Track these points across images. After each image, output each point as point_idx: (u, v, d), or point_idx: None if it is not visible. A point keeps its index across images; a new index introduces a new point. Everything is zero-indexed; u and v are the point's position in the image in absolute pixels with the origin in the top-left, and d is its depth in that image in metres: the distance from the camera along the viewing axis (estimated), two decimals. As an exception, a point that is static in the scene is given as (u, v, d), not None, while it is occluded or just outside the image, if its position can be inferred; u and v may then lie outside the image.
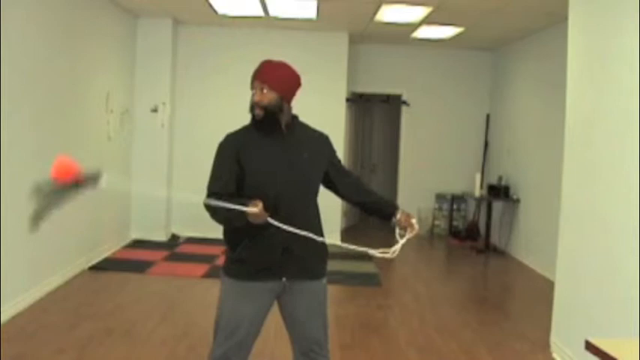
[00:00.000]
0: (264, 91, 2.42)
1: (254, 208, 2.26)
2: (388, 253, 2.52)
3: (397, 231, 2.59)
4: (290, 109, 2.52)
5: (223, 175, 2.47)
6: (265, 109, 2.43)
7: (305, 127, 2.62)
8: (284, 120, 2.49)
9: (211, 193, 2.44)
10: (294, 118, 2.56)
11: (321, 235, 2.55)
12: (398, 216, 2.61)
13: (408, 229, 2.57)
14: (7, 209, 4.36)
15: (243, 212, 2.27)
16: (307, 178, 2.55)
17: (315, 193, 2.60)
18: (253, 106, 2.46)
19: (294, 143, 2.52)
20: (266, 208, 2.30)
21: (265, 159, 2.47)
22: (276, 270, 2.47)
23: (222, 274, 2.57)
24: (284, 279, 2.49)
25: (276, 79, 2.45)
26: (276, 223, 2.33)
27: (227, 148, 2.49)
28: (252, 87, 2.47)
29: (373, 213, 2.73)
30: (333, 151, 2.69)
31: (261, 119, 2.45)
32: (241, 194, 2.44)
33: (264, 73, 2.45)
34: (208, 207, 2.40)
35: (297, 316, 2.56)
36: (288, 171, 2.47)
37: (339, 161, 2.72)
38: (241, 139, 2.51)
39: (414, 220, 2.58)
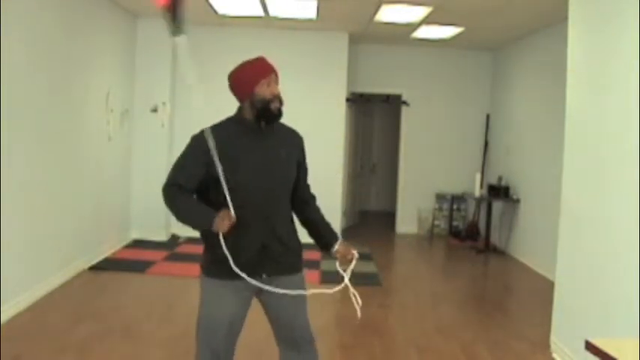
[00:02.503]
0: (278, 84, 2.46)
1: (223, 224, 2.29)
2: (335, 288, 2.55)
3: (337, 264, 2.59)
4: None
5: (189, 169, 2.44)
6: (281, 101, 2.45)
7: (280, 124, 2.58)
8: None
9: (173, 183, 2.43)
10: None
11: (296, 231, 2.60)
12: (336, 247, 2.60)
13: (351, 261, 2.57)
14: (7, 209, 4.35)
15: (206, 221, 2.32)
16: (286, 176, 2.53)
17: (289, 190, 2.58)
18: (270, 100, 2.42)
19: (273, 141, 2.50)
20: (241, 206, 2.35)
21: (245, 158, 2.42)
22: (255, 267, 2.44)
23: (201, 274, 2.57)
24: (264, 275, 2.47)
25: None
26: (223, 245, 2.33)
27: (200, 144, 2.40)
28: (263, 81, 2.42)
29: (313, 236, 2.67)
30: (304, 154, 2.65)
31: (279, 113, 2.45)
32: (215, 196, 2.41)
33: (274, 68, 2.47)
34: (166, 194, 2.42)
35: (282, 308, 2.55)
36: (269, 169, 2.45)
37: (306, 169, 2.67)
38: (219, 135, 2.40)
39: (354, 251, 2.57)
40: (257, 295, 2.55)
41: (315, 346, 2.63)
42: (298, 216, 2.67)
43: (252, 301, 2.56)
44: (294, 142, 2.61)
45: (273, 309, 2.57)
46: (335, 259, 2.61)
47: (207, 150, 2.35)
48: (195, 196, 2.46)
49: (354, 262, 2.55)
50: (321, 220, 2.68)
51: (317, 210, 2.69)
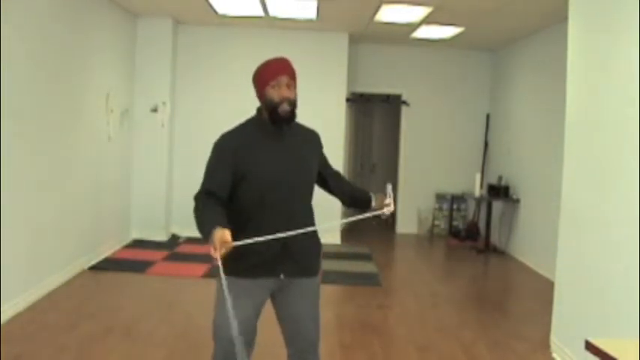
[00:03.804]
0: (291, 87, 2.44)
1: (215, 246, 2.19)
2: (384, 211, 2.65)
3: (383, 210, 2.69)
4: None
5: (219, 176, 2.44)
6: (293, 105, 2.44)
7: (298, 125, 2.60)
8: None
9: (207, 191, 2.44)
10: None
11: (316, 231, 2.59)
12: (373, 203, 2.71)
13: (386, 208, 2.66)
14: (7, 209, 4.35)
15: (205, 239, 2.26)
16: (307, 177, 2.56)
17: (311, 191, 2.62)
18: (278, 103, 2.40)
19: (293, 142, 2.52)
20: (264, 205, 2.41)
21: (266, 159, 2.44)
22: (274, 267, 2.46)
23: (219, 271, 2.56)
24: (282, 276, 2.48)
25: (295, 77, 2.47)
26: (221, 271, 2.27)
27: (224, 149, 2.45)
28: (272, 83, 2.41)
29: (353, 203, 2.79)
30: (321, 147, 2.72)
31: (289, 116, 2.44)
32: (237, 197, 2.45)
33: (289, 68, 2.45)
34: (195, 203, 2.43)
35: (293, 314, 2.55)
36: (290, 170, 2.47)
37: (326, 159, 2.77)
38: (240, 140, 2.46)
39: (387, 201, 2.65)
40: (271, 297, 2.56)
41: (318, 350, 2.63)
42: (338, 194, 2.78)
43: (267, 300, 2.56)
44: (313, 140, 2.65)
45: (286, 313, 2.56)
46: (379, 210, 2.67)
47: (231, 152, 2.41)
48: (219, 206, 2.41)
49: (391, 208, 2.66)
50: (356, 190, 2.82)
51: (348, 183, 2.87)
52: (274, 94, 2.41)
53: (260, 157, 2.44)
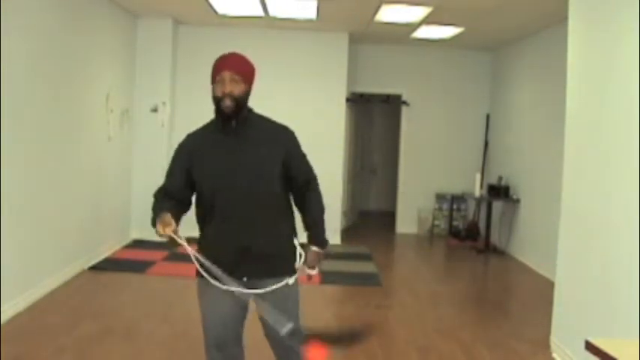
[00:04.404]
0: (237, 81, 2.34)
1: (160, 228, 2.26)
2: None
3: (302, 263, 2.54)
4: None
5: (174, 173, 2.49)
6: (237, 100, 2.34)
7: (262, 121, 2.49)
8: (244, 113, 2.42)
9: (164, 189, 2.48)
10: (250, 111, 2.46)
11: (287, 233, 2.50)
12: (303, 259, 2.53)
13: (307, 269, 2.52)
14: (7, 209, 4.35)
15: (153, 225, 2.31)
16: (263, 179, 2.40)
17: (277, 189, 2.45)
18: (220, 98, 2.35)
19: (249, 141, 2.41)
20: (215, 206, 2.38)
21: (214, 162, 2.39)
22: (234, 270, 2.36)
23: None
24: (244, 279, 2.40)
25: (247, 71, 2.38)
26: (179, 240, 2.25)
27: (181, 150, 2.50)
28: (217, 78, 2.36)
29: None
30: (294, 149, 2.50)
31: (231, 112, 2.34)
32: (197, 200, 2.49)
33: (235, 63, 2.37)
34: (154, 201, 2.45)
35: (267, 311, 2.46)
36: (240, 173, 2.37)
37: (299, 164, 2.51)
38: (197, 140, 2.47)
39: (312, 272, 2.52)
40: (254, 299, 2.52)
41: (301, 349, 2.49)
42: (298, 210, 2.60)
43: (243, 302, 2.50)
44: (278, 138, 2.46)
45: (260, 315, 2.48)
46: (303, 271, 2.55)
47: (187, 154, 2.43)
48: (171, 203, 2.41)
49: (306, 274, 2.55)
50: (311, 224, 2.55)
51: (310, 211, 2.54)
52: (217, 89, 2.37)
53: (209, 160, 2.40)
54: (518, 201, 7.59)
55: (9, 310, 4.40)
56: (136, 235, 7.51)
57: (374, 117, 11.12)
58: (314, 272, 2.53)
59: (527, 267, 7.11)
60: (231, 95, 2.33)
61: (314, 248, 2.54)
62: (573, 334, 3.88)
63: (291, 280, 2.49)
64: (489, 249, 7.90)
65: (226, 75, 2.34)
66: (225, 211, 2.38)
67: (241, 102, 2.36)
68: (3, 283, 4.28)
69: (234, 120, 2.38)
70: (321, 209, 2.57)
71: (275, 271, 2.46)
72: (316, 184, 2.59)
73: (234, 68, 2.35)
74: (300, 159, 2.52)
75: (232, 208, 2.38)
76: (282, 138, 2.48)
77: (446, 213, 8.99)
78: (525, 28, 7.07)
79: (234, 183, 2.36)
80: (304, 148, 2.59)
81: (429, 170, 9.03)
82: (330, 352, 2.31)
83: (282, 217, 2.50)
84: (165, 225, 2.25)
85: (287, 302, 2.48)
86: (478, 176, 8.18)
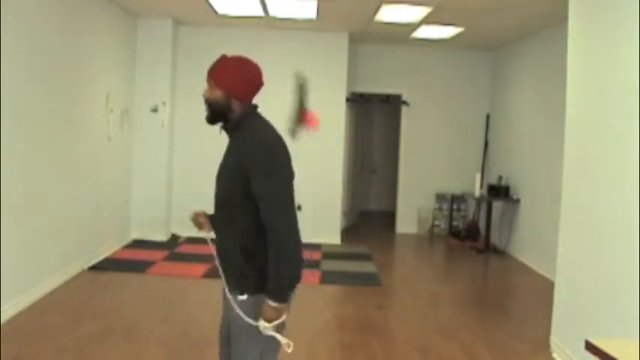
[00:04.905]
0: (211, 86, 2.30)
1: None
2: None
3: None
4: (242, 106, 2.30)
5: None
6: (209, 105, 2.31)
7: (251, 128, 2.29)
8: (233, 119, 2.32)
9: None
10: (245, 117, 2.31)
11: (232, 250, 2.25)
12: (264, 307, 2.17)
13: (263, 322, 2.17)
14: (7, 209, 4.35)
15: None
16: (224, 185, 2.32)
17: (234, 201, 2.24)
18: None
19: (233, 145, 2.35)
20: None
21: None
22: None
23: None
24: (225, 288, 2.34)
25: (222, 75, 2.28)
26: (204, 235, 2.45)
27: None
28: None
29: None
30: (253, 160, 2.16)
31: (208, 116, 2.33)
32: None
33: (212, 69, 2.32)
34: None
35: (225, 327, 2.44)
36: (218, 176, 2.37)
37: (261, 177, 2.14)
38: None
39: (267, 330, 2.16)
40: None
41: None
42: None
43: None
44: (242, 149, 2.23)
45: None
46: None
47: None
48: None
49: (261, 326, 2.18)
50: (269, 270, 2.15)
51: (270, 250, 2.15)
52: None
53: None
54: (518, 201, 7.59)
55: (9, 310, 4.40)
56: (136, 235, 7.51)
57: (374, 117, 11.12)
58: (268, 331, 2.15)
59: (527, 267, 7.11)
60: (206, 100, 2.33)
61: (266, 300, 2.14)
62: (573, 334, 3.88)
63: (240, 297, 2.24)
64: (489, 249, 7.90)
65: (209, 80, 2.34)
66: (214, 215, 2.45)
67: (215, 107, 2.30)
68: (3, 283, 4.28)
69: (223, 124, 2.36)
70: (279, 252, 2.12)
71: (232, 287, 2.29)
72: (285, 217, 2.16)
73: (209, 74, 2.32)
74: (258, 177, 2.15)
75: (214, 213, 2.43)
76: (245, 152, 2.20)
77: (446, 213, 8.99)
78: (525, 28, 7.07)
79: (216, 189, 2.38)
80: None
81: (429, 170, 9.03)
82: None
83: (234, 230, 2.27)
84: (199, 226, 2.50)
85: (231, 328, 2.31)
86: (478, 176, 8.18)
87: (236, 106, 2.29)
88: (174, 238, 7.69)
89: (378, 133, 11.28)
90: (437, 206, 9.04)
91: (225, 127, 2.35)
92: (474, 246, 8.11)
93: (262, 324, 2.15)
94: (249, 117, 2.32)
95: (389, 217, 9.82)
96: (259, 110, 2.39)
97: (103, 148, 6.43)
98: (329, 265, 6.67)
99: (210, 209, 2.48)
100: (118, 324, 4.44)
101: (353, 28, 7.70)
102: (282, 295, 2.14)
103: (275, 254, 2.12)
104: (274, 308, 2.13)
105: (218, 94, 2.28)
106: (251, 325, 2.20)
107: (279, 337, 2.18)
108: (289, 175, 2.24)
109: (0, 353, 3.66)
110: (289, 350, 2.19)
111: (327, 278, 6.07)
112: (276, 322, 2.15)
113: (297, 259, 2.20)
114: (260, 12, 6.87)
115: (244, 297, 2.24)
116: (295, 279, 2.20)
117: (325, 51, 7.99)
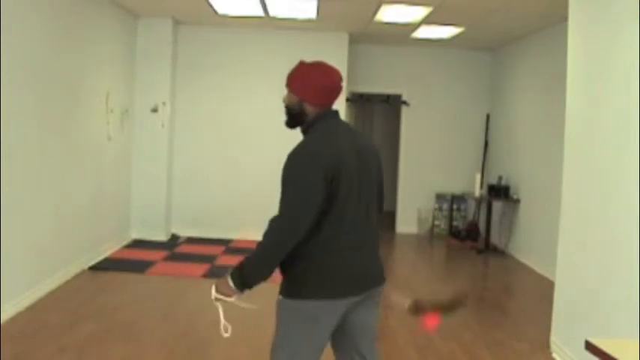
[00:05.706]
0: (288, 93, 2.37)
1: None
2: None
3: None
4: (315, 111, 2.35)
5: None
6: (286, 108, 2.38)
7: (308, 135, 2.37)
8: (306, 122, 2.37)
9: None
10: (314, 122, 2.35)
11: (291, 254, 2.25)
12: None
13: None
14: (8, 209, 4.35)
15: None
16: None
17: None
18: None
19: None
20: None
21: None
22: None
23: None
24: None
25: (295, 81, 2.34)
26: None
27: None
28: None
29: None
30: (283, 170, 2.25)
31: (285, 120, 2.40)
32: None
33: (288, 75, 2.38)
34: None
35: None
36: None
37: (282, 185, 2.23)
38: None
39: (214, 291, 2.29)
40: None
41: None
42: None
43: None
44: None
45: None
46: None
47: None
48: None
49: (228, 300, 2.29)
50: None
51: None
52: None
53: None
54: (518, 201, 7.59)
55: (10, 310, 4.40)
56: (136, 235, 7.51)
57: (374, 117, 11.12)
58: (213, 296, 2.26)
59: (527, 267, 7.11)
60: (285, 106, 2.39)
61: (228, 273, 2.26)
62: (573, 334, 3.88)
63: (279, 296, 2.34)
64: (489, 249, 7.90)
65: (286, 85, 2.41)
66: None
67: (291, 111, 2.38)
68: (3, 283, 4.28)
69: (298, 127, 2.40)
70: (258, 246, 2.22)
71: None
72: (278, 219, 2.22)
73: (287, 79, 2.39)
74: (282, 185, 2.26)
75: None
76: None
77: (446, 213, 8.99)
78: (526, 28, 7.07)
79: None
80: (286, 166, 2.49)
81: (429, 170, 9.03)
82: (442, 319, 2.38)
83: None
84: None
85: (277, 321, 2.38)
86: (478, 176, 8.18)
87: (310, 111, 2.35)
88: (174, 238, 7.68)
89: (378, 133, 11.28)
90: (437, 206, 9.04)
91: (302, 132, 2.40)
92: (474, 246, 8.11)
93: (213, 288, 2.27)
94: (317, 122, 2.36)
95: (389, 217, 9.81)
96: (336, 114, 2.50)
97: (103, 148, 6.43)
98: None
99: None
100: (118, 324, 4.44)
101: (353, 28, 7.70)
102: (237, 279, 2.22)
103: (257, 245, 2.22)
104: (226, 285, 2.24)
105: (293, 99, 2.36)
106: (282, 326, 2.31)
107: (220, 311, 2.29)
108: (304, 185, 2.18)
109: (0, 353, 3.66)
110: (225, 335, 2.31)
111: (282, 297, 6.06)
112: (221, 297, 2.26)
113: (266, 264, 2.21)
114: (260, 12, 6.86)
115: (279, 297, 2.33)
116: (256, 278, 2.22)
117: (325, 51, 7.96)
